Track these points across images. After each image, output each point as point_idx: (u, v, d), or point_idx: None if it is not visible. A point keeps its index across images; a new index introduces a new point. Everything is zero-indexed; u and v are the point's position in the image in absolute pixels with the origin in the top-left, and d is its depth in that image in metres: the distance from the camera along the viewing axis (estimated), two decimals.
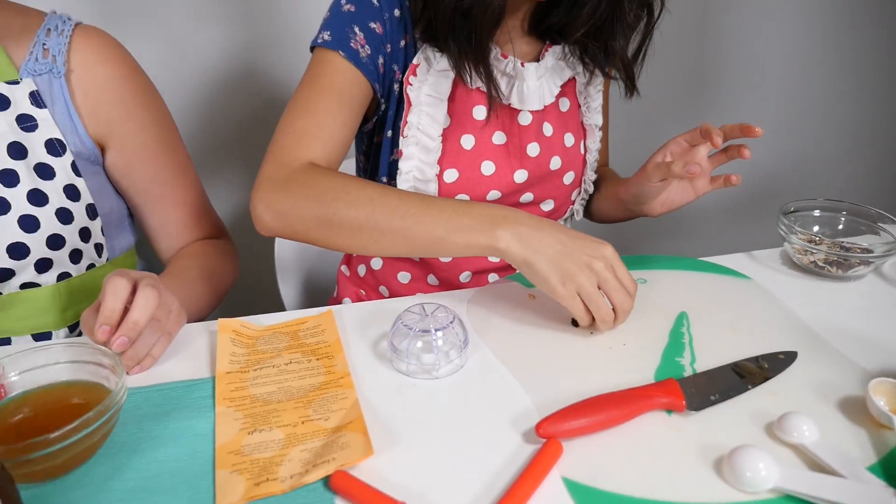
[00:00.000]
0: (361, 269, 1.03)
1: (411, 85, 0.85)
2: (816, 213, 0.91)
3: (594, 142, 0.98)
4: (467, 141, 0.87)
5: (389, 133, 0.89)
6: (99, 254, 0.87)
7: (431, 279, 0.98)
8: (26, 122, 0.78)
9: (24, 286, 0.80)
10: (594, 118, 0.97)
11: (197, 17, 1.37)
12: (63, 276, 0.82)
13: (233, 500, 0.51)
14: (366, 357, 0.69)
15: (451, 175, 0.88)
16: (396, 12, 0.83)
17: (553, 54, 0.91)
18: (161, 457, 0.56)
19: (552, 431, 0.56)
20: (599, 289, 0.68)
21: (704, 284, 0.83)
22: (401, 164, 0.87)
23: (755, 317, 0.75)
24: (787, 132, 1.88)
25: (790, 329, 0.73)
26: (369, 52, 0.81)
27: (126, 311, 0.63)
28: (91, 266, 0.86)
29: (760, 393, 0.62)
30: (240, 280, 1.00)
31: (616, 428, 0.58)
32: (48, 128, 0.79)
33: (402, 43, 0.84)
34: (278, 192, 0.76)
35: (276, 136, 0.81)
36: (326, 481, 0.52)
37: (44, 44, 0.80)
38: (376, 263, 1.00)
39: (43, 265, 0.80)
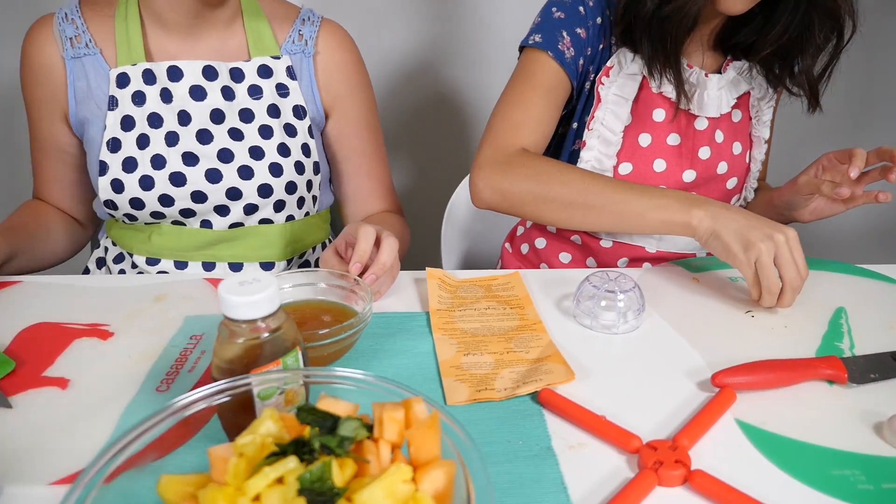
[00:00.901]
0: (524, 248, 1.14)
1: (603, 84, 0.95)
2: None
3: (759, 153, 1.05)
4: (644, 139, 0.97)
5: (575, 125, 1.00)
6: (314, 204, 1.03)
7: (590, 262, 1.08)
8: (282, 90, 0.95)
9: (261, 221, 0.97)
10: (762, 131, 1.04)
11: (382, 14, 1.53)
12: (289, 218, 0.99)
13: (459, 399, 0.63)
14: (551, 312, 0.80)
15: (625, 168, 0.98)
16: (598, 20, 0.94)
17: (734, 68, 0.99)
18: (395, 364, 0.69)
19: (727, 382, 0.64)
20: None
21: (861, 286, 0.88)
22: (582, 154, 0.98)
23: None
24: None
25: None
26: (573, 54, 0.93)
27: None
28: (307, 214, 1.03)
29: None
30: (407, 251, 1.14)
31: (783, 388, 0.66)
32: (296, 96, 0.96)
33: (601, 47, 0.95)
34: (498, 173, 0.90)
35: (492, 124, 0.95)
36: (534, 396, 0.64)
37: (299, 30, 0.97)
38: (540, 243, 1.11)
39: (279, 206, 0.96)
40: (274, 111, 0.95)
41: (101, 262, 1.05)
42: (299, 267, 1.04)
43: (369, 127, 1.06)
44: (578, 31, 0.93)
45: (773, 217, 1.06)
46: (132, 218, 0.94)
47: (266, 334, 0.54)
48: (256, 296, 0.52)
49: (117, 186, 0.90)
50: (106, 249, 1.05)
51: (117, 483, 0.45)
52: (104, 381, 0.66)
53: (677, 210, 0.81)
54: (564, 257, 1.09)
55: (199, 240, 0.95)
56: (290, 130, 0.96)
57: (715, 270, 0.91)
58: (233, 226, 0.96)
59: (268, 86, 0.95)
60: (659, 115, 0.97)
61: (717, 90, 0.97)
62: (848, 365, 0.68)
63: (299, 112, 0.97)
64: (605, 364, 0.70)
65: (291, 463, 0.41)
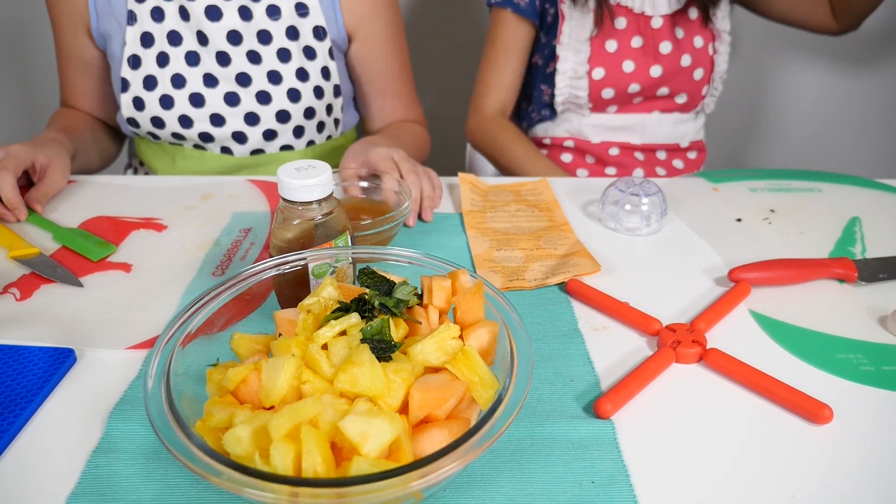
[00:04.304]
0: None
1: (564, 2, 1.10)
2: None
3: (722, 44, 1.17)
4: (611, 45, 1.11)
5: (546, 51, 1.15)
6: (336, 127, 1.06)
7: (589, 159, 1.23)
8: (302, 10, 0.96)
9: (282, 148, 1.00)
10: (722, 24, 1.16)
11: None
12: (310, 143, 1.02)
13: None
14: (577, 215, 0.84)
15: (598, 73, 1.11)
16: None
17: None
18: None
19: (743, 277, 0.69)
20: None
21: (877, 199, 0.91)
22: (558, 66, 1.12)
23: None
24: None
25: None
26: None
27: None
28: (329, 137, 1.05)
29: None
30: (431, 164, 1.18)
31: (795, 285, 0.70)
32: (316, 16, 0.96)
33: None
34: (477, 139, 1.20)
35: (475, 87, 1.20)
36: (562, 287, 0.69)
37: None
38: (543, 152, 1.20)
39: (298, 132, 0.99)
40: (293, 33, 0.95)
41: None
42: None
43: (396, 48, 1.05)
44: None
45: None
46: (155, 137, 0.96)
47: (319, 217, 0.59)
48: (312, 180, 0.57)
49: (138, 104, 0.92)
50: (135, 170, 1.10)
51: (192, 346, 0.50)
52: (164, 267, 0.72)
53: None
54: (566, 157, 1.20)
55: (221, 165, 0.98)
56: (309, 53, 0.96)
57: (734, 182, 0.94)
58: (254, 152, 0.98)
59: (286, 5, 0.94)
60: (621, 22, 1.12)
61: None
62: (858, 265, 0.72)
63: (319, 33, 0.97)
64: (628, 262, 0.75)
65: (354, 318, 0.46)
